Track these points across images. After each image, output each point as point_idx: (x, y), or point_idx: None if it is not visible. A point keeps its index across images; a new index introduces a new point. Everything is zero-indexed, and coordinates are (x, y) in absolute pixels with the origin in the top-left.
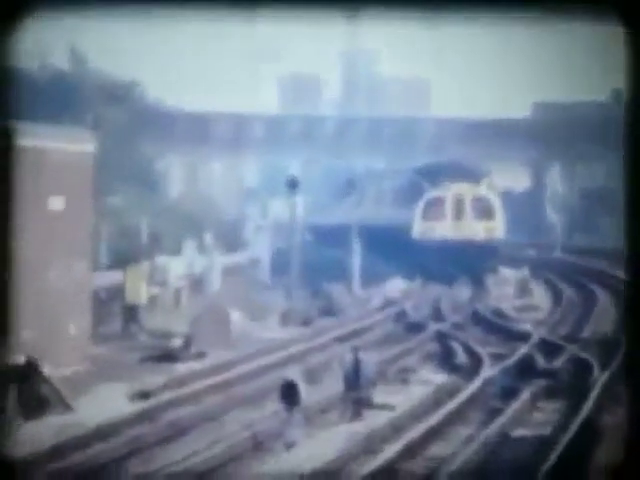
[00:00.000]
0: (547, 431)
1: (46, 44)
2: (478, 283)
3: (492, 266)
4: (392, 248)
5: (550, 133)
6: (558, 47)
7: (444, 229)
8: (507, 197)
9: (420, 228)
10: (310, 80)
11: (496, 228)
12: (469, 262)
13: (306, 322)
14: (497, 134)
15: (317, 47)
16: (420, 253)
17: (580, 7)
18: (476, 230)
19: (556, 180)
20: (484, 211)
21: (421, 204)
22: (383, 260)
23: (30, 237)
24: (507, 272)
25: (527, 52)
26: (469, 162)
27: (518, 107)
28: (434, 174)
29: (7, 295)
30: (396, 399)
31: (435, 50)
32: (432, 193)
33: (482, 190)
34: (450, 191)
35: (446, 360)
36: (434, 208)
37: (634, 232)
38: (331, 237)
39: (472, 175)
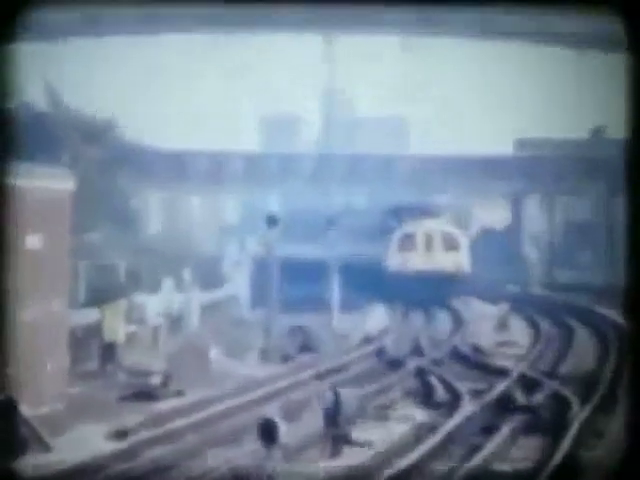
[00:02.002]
0: (527, 467)
1: (21, 82)
2: (456, 316)
3: (460, 294)
4: (369, 281)
5: (531, 169)
6: (539, 85)
7: (416, 261)
8: (488, 233)
9: (395, 260)
10: (289, 118)
11: (462, 260)
12: (439, 290)
13: (285, 359)
14: (478, 171)
15: (296, 86)
16: (397, 284)
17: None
18: (444, 262)
19: (536, 216)
20: (450, 245)
21: (395, 239)
22: (362, 293)
23: (8, 276)
24: (487, 308)
25: (508, 88)
26: (436, 200)
27: (499, 144)
28: (405, 212)
29: None
30: (376, 436)
31: (413, 87)
32: (405, 229)
33: (448, 226)
34: (420, 227)
35: (426, 396)
36: (407, 242)
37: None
38: (309, 273)
39: (439, 212)
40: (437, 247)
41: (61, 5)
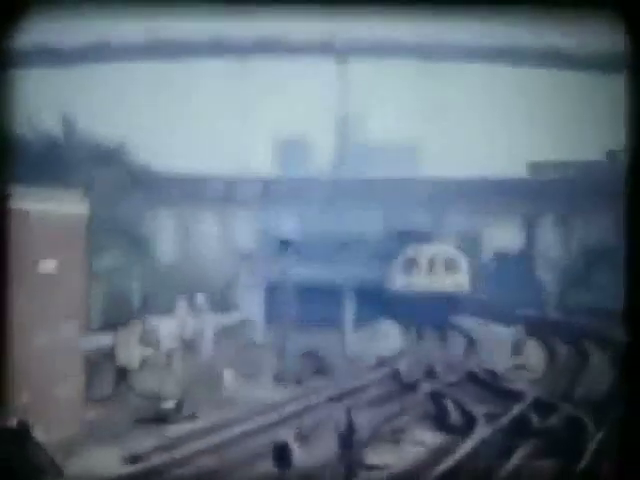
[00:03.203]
0: None
1: (34, 107)
2: (469, 339)
3: (465, 315)
4: (381, 303)
5: (545, 192)
6: (553, 108)
7: (420, 283)
8: (502, 257)
9: (400, 283)
10: (302, 142)
11: (463, 282)
12: (443, 311)
13: (299, 382)
14: (491, 194)
15: (309, 109)
16: (403, 306)
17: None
18: (447, 284)
19: (550, 239)
20: (452, 267)
21: (401, 262)
22: (373, 315)
23: (22, 301)
24: (502, 331)
25: (521, 110)
26: (449, 223)
27: (513, 167)
28: (411, 236)
29: (1, 360)
30: (390, 459)
31: (427, 110)
32: (410, 252)
33: (451, 249)
34: (424, 250)
35: (440, 420)
36: (411, 265)
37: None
38: (322, 296)
39: (442, 236)
40: (440, 270)
41: (73, 30)
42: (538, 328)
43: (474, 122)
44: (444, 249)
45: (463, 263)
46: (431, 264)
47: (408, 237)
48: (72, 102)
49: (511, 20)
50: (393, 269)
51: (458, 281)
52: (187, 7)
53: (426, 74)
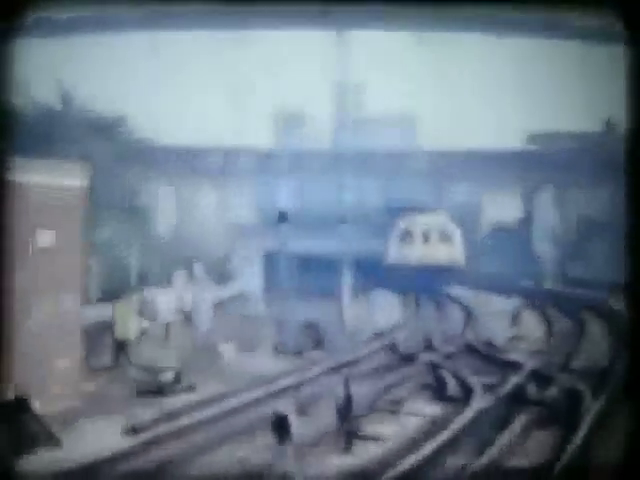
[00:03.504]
0: (540, 460)
1: (32, 79)
2: (467, 310)
3: (458, 285)
4: (379, 275)
5: (543, 163)
6: (551, 78)
7: (415, 255)
8: (500, 228)
9: (395, 254)
10: (300, 114)
11: (456, 253)
12: (437, 282)
13: (298, 354)
14: (491, 166)
15: (307, 81)
16: (398, 277)
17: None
18: (440, 255)
19: (549, 211)
20: (446, 239)
21: (395, 234)
22: (371, 287)
23: (20, 274)
24: (500, 302)
25: (521, 81)
26: (438, 196)
27: (511, 138)
28: (406, 208)
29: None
30: (388, 430)
31: (426, 82)
32: (404, 224)
33: (445, 220)
34: (419, 222)
35: (438, 391)
36: (406, 237)
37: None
38: (321, 268)
39: (437, 208)
40: (434, 241)
41: (72, 1)
42: (536, 300)
43: (474, 93)
44: (439, 221)
45: (457, 235)
46: (425, 236)
47: (405, 209)
48: (70, 73)
49: None
50: (388, 241)
51: (452, 253)
52: None
53: (426, 45)
